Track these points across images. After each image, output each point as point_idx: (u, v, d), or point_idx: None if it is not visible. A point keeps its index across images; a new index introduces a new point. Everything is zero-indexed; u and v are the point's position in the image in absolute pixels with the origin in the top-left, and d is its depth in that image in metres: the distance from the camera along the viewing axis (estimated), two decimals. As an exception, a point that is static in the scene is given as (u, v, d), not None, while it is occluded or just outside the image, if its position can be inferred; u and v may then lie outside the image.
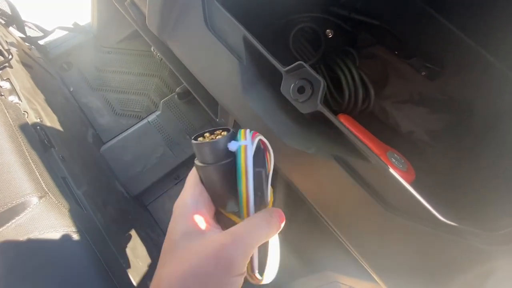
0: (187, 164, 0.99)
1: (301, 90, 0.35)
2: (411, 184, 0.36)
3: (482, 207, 0.32)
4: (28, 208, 0.49)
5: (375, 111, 0.44)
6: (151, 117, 1.02)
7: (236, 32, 0.38)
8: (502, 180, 0.34)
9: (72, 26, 1.13)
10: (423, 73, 0.44)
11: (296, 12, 0.50)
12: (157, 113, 1.03)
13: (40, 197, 0.50)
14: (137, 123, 1.02)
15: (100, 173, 0.82)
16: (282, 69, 0.35)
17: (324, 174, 0.36)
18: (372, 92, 0.39)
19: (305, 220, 0.89)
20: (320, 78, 0.33)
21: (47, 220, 0.49)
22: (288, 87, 0.36)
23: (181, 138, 0.99)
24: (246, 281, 0.23)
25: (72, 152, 0.73)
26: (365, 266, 0.36)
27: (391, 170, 0.30)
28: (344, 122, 0.40)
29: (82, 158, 0.76)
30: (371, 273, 0.36)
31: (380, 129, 0.45)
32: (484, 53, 0.44)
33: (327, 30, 0.53)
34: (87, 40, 1.15)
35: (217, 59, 0.41)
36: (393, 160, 0.37)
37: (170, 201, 0.96)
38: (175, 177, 0.98)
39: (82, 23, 1.15)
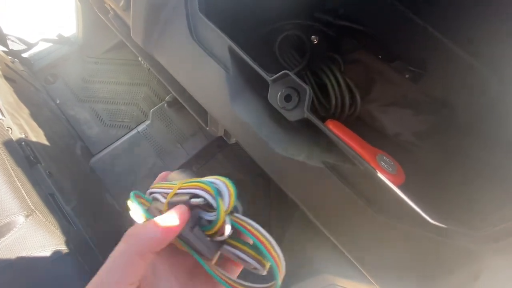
0: (180, 172, 0.98)
1: (288, 98, 0.36)
2: (401, 186, 0.37)
3: (469, 206, 0.33)
4: (15, 228, 0.48)
5: (362, 115, 0.45)
6: (140, 127, 1.00)
7: (222, 42, 0.38)
8: (486, 178, 0.35)
9: (57, 38, 1.11)
10: (407, 76, 0.46)
11: (281, 19, 0.51)
12: (147, 122, 1.02)
13: (27, 216, 0.49)
14: (126, 133, 1.00)
15: (90, 186, 0.80)
16: (268, 78, 0.36)
17: (314, 181, 0.37)
18: (358, 97, 0.39)
19: (300, 223, 0.89)
20: (306, 86, 0.33)
21: (35, 239, 0.48)
22: (275, 96, 0.36)
23: (172, 147, 0.99)
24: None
25: (60, 167, 0.71)
26: (360, 268, 0.36)
27: (380, 175, 0.31)
28: (333, 128, 0.41)
29: (70, 172, 0.74)
30: (366, 275, 0.36)
31: (368, 132, 0.46)
32: (463, 55, 0.45)
33: (312, 36, 0.54)
34: (72, 51, 1.13)
35: (204, 70, 0.41)
36: (383, 163, 0.38)
37: (163, 211, 0.94)
38: (167, 187, 0.97)
39: (66, 34, 1.13)
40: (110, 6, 0.52)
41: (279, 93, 0.36)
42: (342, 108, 0.40)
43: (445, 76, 0.47)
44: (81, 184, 0.74)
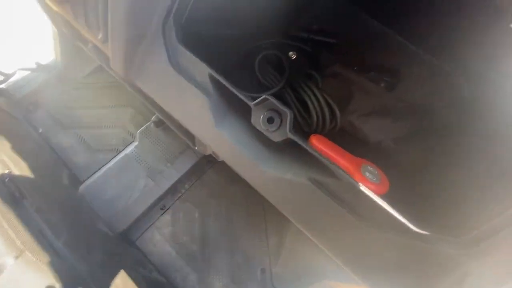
0: (172, 192, 0.98)
1: (270, 120, 0.37)
2: (385, 194, 0.39)
3: (451, 208, 0.34)
4: (5, 271, 0.46)
5: (344, 126, 0.47)
6: (129, 149, 0.99)
7: (201, 70, 0.39)
8: (465, 179, 0.37)
9: (35, 66, 1.09)
10: (382, 85, 0.48)
11: (259, 39, 0.53)
12: (135, 144, 1.01)
13: (16, 257, 0.48)
14: (114, 157, 0.99)
15: (81, 216, 0.79)
16: (250, 103, 0.37)
17: (302, 196, 0.38)
18: (337, 112, 0.41)
19: (298, 231, 0.90)
20: (286, 109, 0.35)
21: (27, 281, 0.47)
22: (258, 118, 0.37)
23: (162, 166, 0.98)
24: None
25: (48, 200, 0.70)
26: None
27: (363, 187, 0.32)
28: (317, 143, 0.42)
29: (59, 204, 0.73)
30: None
31: (352, 141, 0.47)
32: (432, 60, 0.48)
33: (290, 53, 0.55)
34: (52, 78, 1.11)
35: (187, 96, 0.42)
36: (367, 174, 0.39)
37: (158, 232, 0.93)
38: (161, 207, 0.96)
39: (44, 61, 1.11)
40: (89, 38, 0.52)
41: (262, 116, 0.37)
42: (324, 123, 0.42)
43: (418, 82, 0.50)
44: (71, 215, 0.73)
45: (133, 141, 1.02)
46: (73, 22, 0.51)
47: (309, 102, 0.41)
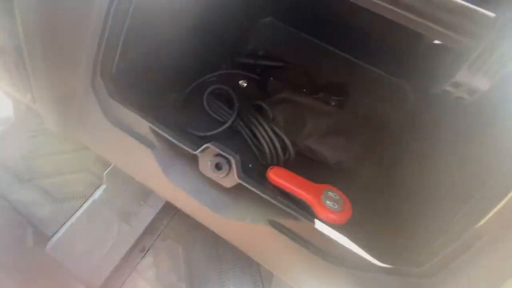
0: (150, 231, 0.93)
1: (218, 166, 0.35)
2: (350, 219, 0.38)
3: (413, 232, 0.34)
4: None
5: (303, 151, 0.46)
6: (97, 194, 0.94)
7: (141, 123, 0.37)
8: (422, 197, 0.37)
9: (-18, 120, 1.02)
10: (333, 104, 0.48)
11: (204, 74, 0.51)
12: (103, 187, 0.95)
13: None
14: (82, 204, 0.93)
15: (52, 279, 0.73)
16: (194, 152, 0.35)
17: (264, 239, 0.36)
18: (288, 142, 0.40)
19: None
20: (230, 156, 0.33)
21: None
22: (206, 165, 0.36)
23: (136, 207, 0.93)
24: None
25: (9, 271, 0.64)
26: None
27: (321, 227, 0.31)
28: (274, 176, 0.41)
29: (21, 272, 0.66)
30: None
31: (313, 165, 0.46)
32: (379, 73, 0.49)
33: (241, 81, 0.54)
34: (5, 131, 1.04)
35: (131, 150, 0.40)
36: (328, 202, 0.38)
37: (141, 278, 0.88)
38: (140, 250, 0.91)
39: (-7, 114, 1.04)
40: (21, 97, 0.48)
41: (209, 162, 0.35)
42: (277, 155, 0.41)
43: (367, 95, 0.50)
44: (38, 281, 0.67)
45: (100, 184, 0.96)
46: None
47: (259, 135, 0.40)
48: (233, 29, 0.54)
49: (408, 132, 0.47)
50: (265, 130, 0.40)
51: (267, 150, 0.40)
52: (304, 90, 0.49)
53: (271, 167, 0.41)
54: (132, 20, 0.35)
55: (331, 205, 0.38)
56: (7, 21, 0.42)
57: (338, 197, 0.40)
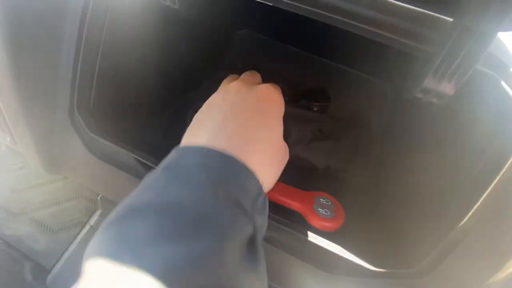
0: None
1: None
2: (342, 226, 0.38)
3: (405, 232, 0.35)
4: None
5: (292, 160, 0.46)
6: (92, 220, 0.93)
7: (126, 154, 0.37)
8: (411, 195, 0.38)
9: (-35, 158, 0.99)
10: (315, 109, 0.48)
11: (188, 91, 0.51)
12: (98, 212, 0.94)
13: None
14: (79, 232, 0.92)
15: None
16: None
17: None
18: None
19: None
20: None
21: None
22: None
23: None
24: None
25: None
26: None
27: (313, 238, 0.32)
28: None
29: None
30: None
31: (303, 173, 0.47)
32: (359, 74, 0.49)
33: (222, 95, 0.54)
34: (-11, 166, 1.02)
35: (119, 181, 0.39)
36: (320, 210, 0.38)
37: None
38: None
39: (-25, 151, 1.02)
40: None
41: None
42: None
43: (349, 99, 0.51)
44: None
45: (96, 209, 0.95)
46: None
47: None
48: (210, 46, 0.54)
49: (392, 132, 0.48)
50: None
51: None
52: (286, 98, 0.49)
53: (260, 180, 0.42)
54: (103, 54, 0.35)
55: (324, 213, 0.38)
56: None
57: (330, 203, 0.40)
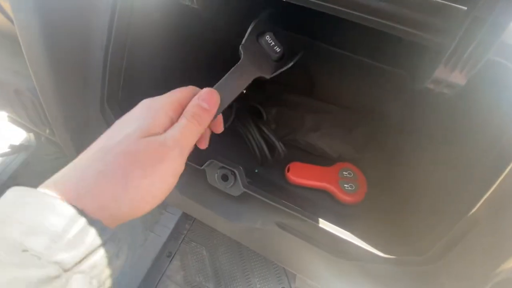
0: (174, 236, 0.98)
1: (224, 178, 0.37)
2: (351, 214, 0.39)
3: (416, 218, 0.35)
4: None
5: (306, 147, 0.47)
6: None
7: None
8: (422, 182, 0.38)
9: (9, 149, 1.10)
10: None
11: (209, 79, 0.53)
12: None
13: None
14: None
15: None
16: (200, 167, 0.37)
17: (274, 240, 0.39)
18: (276, 142, 0.41)
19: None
20: (234, 168, 0.35)
21: None
22: (213, 177, 0.38)
23: (158, 215, 0.98)
24: None
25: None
26: None
27: (325, 226, 0.33)
28: (293, 176, 0.42)
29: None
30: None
31: (316, 161, 0.47)
32: (376, 65, 0.49)
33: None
34: (30, 156, 1.12)
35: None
36: (345, 186, 0.41)
37: (171, 281, 0.93)
38: (167, 255, 0.97)
39: (17, 142, 1.12)
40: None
41: (216, 174, 0.38)
42: (265, 155, 0.42)
43: (363, 87, 0.51)
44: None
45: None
46: (20, 120, 0.52)
47: (249, 137, 0.42)
48: (229, 47, 0.55)
49: (407, 122, 0.47)
50: (253, 131, 0.42)
51: (256, 151, 0.42)
52: (301, 90, 0.50)
53: (288, 166, 0.44)
54: (129, 51, 0.38)
55: (349, 188, 0.41)
56: (19, 66, 0.46)
57: (352, 175, 0.43)
